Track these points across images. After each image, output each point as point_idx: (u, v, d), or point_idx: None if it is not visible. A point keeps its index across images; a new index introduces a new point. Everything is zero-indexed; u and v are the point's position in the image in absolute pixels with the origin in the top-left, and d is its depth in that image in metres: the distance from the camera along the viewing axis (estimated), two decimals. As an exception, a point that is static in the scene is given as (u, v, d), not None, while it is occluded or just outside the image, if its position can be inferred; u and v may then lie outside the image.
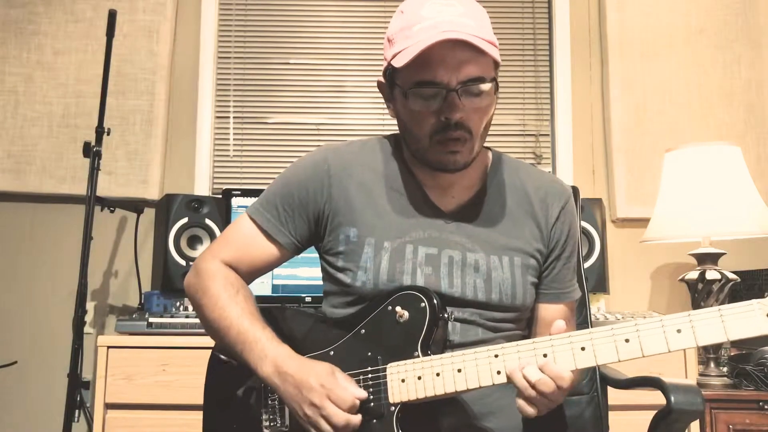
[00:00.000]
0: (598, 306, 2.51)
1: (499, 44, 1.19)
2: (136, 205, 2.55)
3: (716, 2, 2.85)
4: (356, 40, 2.90)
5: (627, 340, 1.01)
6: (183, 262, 2.40)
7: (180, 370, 2.09)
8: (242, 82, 2.87)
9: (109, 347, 2.11)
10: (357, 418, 1.09)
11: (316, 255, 1.35)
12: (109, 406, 2.09)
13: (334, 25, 2.91)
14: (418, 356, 1.12)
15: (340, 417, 1.07)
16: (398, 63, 1.15)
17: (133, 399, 2.08)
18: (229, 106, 2.87)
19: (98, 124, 2.32)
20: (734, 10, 2.84)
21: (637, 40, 2.83)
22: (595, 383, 1.59)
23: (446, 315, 1.17)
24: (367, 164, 1.29)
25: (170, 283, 2.40)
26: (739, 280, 2.27)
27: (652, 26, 2.84)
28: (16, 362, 2.55)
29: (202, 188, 2.76)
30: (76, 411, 2.14)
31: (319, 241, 1.31)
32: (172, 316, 2.20)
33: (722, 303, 2.24)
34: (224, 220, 2.46)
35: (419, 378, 1.11)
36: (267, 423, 1.22)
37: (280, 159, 2.82)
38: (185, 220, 2.45)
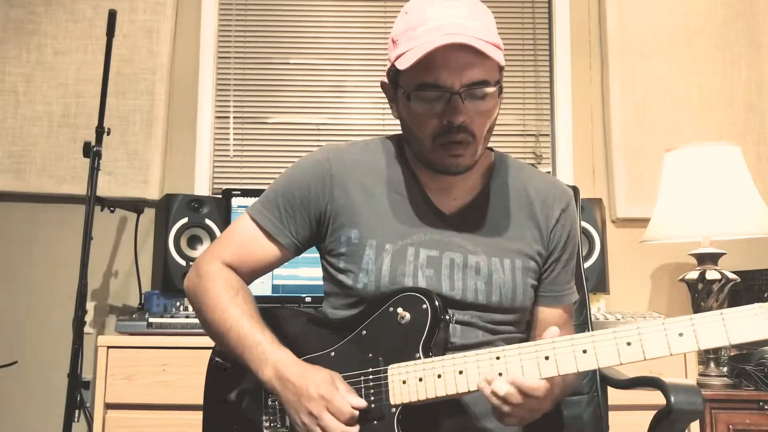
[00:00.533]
0: (598, 306, 2.51)
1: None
2: (136, 205, 2.55)
3: (716, 2, 2.85)
4: (356, 40, 2.90)
5: (629, 343, 1.01)
6: (183, 262, 2.40)
7: (180, 370, 2.09)
8: (242, 82, 2.87)
9: (109, 347, 2.11)
10: (354, 430, 1.08)
11: (317, 255, 1.35)
12: (109, 406, 2.09)
13: (334, 25, 2.91)
14: (420, 358, 1.12)
15: (338, 429, 1.07)
16: (402, 65, 1.14)
17: (133, 399, 2.08)
18: (229, 106, 2.87)
19: (98, 124, 2.31)
20: (734, 10, 2.84)
21: (637, 40, 2.83)
22: (595, 383, 1.59)
23: (448, 317, 1.17)
24: (369, 165, 1.29)
25: (170, 283, 2.40)
26: (739, 280, 2.27)
27: (652, 26, 2.83)
28: (16, 362, 2.55)
29: (202, 188, 2.76)
30: (76, 411, 2.14)
31: (320, 241, 1.31)
32: (172, 316, 2.20)
33: (722, 303, 2.24)
34: (224, 220, 2.46)
35: (420, 379, 1.10)
36: (267, 424, 1.22)
37: (280, 159, 2.82)
38: (185, 220, 2.45)
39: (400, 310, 1.16)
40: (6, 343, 2.62)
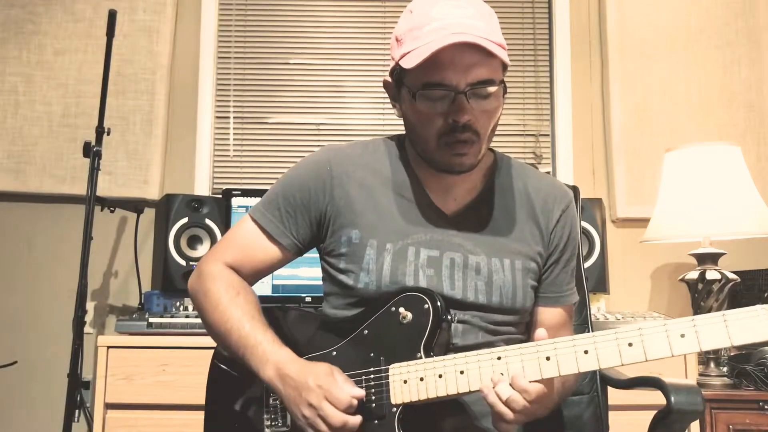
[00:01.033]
0: (598, 306, 2.51)
1: (500, 44, 1.19)
2: (136, 205, 2.55)
3: (716, 2, 2.85)
4: (356, 40, 2.90)
5: (630, 344, 1.01)
6: (183, 262, 2.41)
7: (180, 370, 2.09)
8: (242, 82, 2.87)
9: (109, 347, 2.11)
10: (355, 419, 1.08)
11: (317, 255, 1.35)
12: (109, 406, 2.09)
13: (334, 25, 2.91)
14: (421, 358, 1.12)
15: (337, 417, 1.07)
16: (407, 64, 1.14)
17: (133, 399, 2.08)
18: (229, 106, 2.87)
19: (98, 124, 2.31)
20: (734, 10, 2.84)
21: (637, 40, 2.83)
22: (595, 383, 1.59)
23: (450, 317, 1.17)
24: (369, 165, 1.29)
25: (170, 283, 2.40)
26: (739, 280, 2.27)
27: (652, 26, 2.84)
28: (16, 362, 2.55)
29: (202, 188, 2.76)
30: (76, 411, 2.14)
31: (320, 242, 1.31)
32: (172, 316, 2.20)
33: (722, 303, 2.24)
34: (224, 220, 2.46)
35: (421, 379, 1.11)
36: (269, 423, 1.22)
37: (280, 159, 2.82)
38: (185, 220, 2.45)
39: (401, 309, 1.16)
40: (6, 343, 2.62)
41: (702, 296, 2.26)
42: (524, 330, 1.33)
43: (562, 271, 1.33)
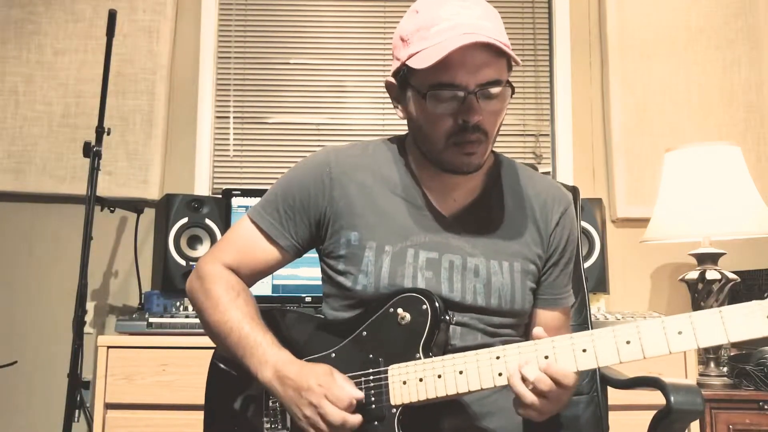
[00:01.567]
0: (598, 306, 2.51)
1: (500, 44, 1.18)
2: (136, 205, 2.55)
3: (716, 2, 2.84)
4: (356, 40, 2.90)
5: (628, 342, 1.01)
6: (183, 262, 2.40)
7: (180, 370, 2.09)
8: (242, 82, 2.87)
9: (109, 347, 2.11)
10: (355, 418, 1.09)
11: (317, 255, 1.35)
12: (109, 406, 2.09)
13: (334, 25, 2.91)
14: (420, 358, 1.13)
15: (338, 416, 1.07)
16: (417, 64, 1.13)
17: (133, 399, 2.08)
18: (229, 106, 2.87)
19: (98, 124, 2.32)
20: (734, 10, 2.84)
21: (637, 40, 2.83)
22: (595, 383, 1.59)
23: (448, 318, 1.17)
24: (369, 167, 1.29)
25: (170, 283, 2.39)
26: (739, 280, 2.27)
27: (652, 26, 2.84)
28: (16, 362, 2.55)
29: (202, 188, 2.76)
30: (76, 411, 2.14)
31: (319, 243, 1.31)
32: (172, 316, 2.20)
33: (722, 303, 2.24)
34: (224, 220, 2.46)
35: (420, 380, 1.11)
36: (268, 426, 1.22)
37: (280, 159, 2.82)
38: (185, 220, 2.45)
39: (400, 310, 1.16)
40: (6, 343, 2.62)
41: (702, 296, 2.26)
42: (523, 332, 1.33)
43: (561, 273, 1.33)
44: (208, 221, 2.47)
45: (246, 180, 2.82)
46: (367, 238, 1.24)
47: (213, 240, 2.45)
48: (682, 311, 2.72)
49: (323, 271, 1.32)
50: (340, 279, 1.26)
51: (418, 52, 1.14)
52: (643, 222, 2.51)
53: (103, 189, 2.53)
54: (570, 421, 1.55)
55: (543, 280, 1.31)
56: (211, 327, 1.25)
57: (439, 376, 1.09)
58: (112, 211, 2.42)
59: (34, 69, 2.74)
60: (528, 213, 1.30)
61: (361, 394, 1.11)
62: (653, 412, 1.23)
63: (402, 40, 1.19)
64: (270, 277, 2.40)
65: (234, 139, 2.85)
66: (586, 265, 2.38)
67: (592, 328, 1.66)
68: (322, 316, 1.32)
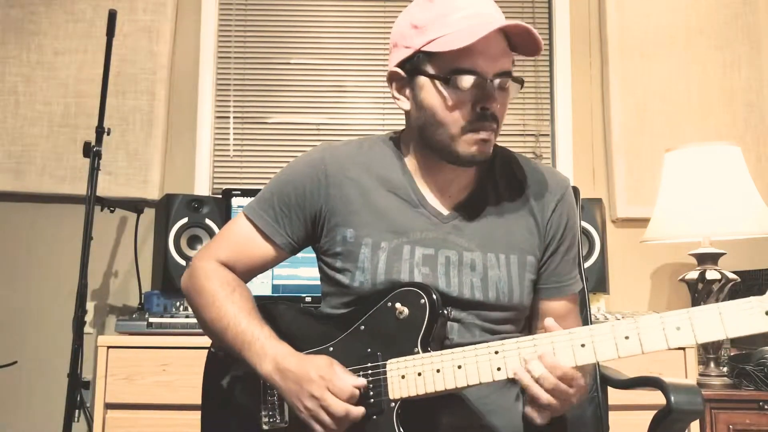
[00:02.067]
0: (598, 306, 2.51)
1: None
2: (136, 205, 2.55)
3: (716, 2, 2.85)
4: (356, 40, 2.90)
5: (627, 337, 1.01)
6: (183, 262, 2.41)
7: (180, 370, 2.09)
8: (242, 82, 2.87)
9: (109, 347, 2.11)
10: (357, 409, 1.09)
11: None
12: (109, 406, 2.09)
13: (334, 25, 2.91)
14: (418, 352, 1.13)
15: (340, 407, 1.07)
16: (443, 47, 1.13)
17: (133, 399, 2.08)
18: (229, 106, 2.87)
19: (98, 124, 2.32)
20: (734, 10, 2.84)
21: (637, 40, 2.83)
22: (595, 383, 1.59)
23: (446, 311, 1.17)
24: (364, 164, 1.28)
25: (170, 283, 2.40)
26: (739, 280, 2.27)
27: (652, 26, 2.84)
28: (16, 362, 2.55)
29: (202, 188, 2.76)
30: (76, 411, 2.14)
31: (315, 241, 1.31)
32: (172, 316, 2.20)
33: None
34: (224, 220, 2.46)
35: (419, 374, 1.11)
36: (266, 419, 1.21)
37: (280, 159, 2.82)
38: (185, 220, 2.45)
39: (398, 305, 1.16)
40: (6, 343, 2.62)
41: (702, 296, 2.26)
42: (523, 328, 1.32)
43: (562, 260, 1.31)
44: (208, 221, 2.47)
45: (246, 180, 2.82)
46: (363, 235, 1.24)
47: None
48: (682, 311, 2.69)
49: (320, 269, 1.32)
50: (338, 276, 1.26)
51: (439, 38, 1.15)
52: (643, 222, 2.51)
53: (103, 189, 2.53)
54: (570, 420, 1.55)
55: (544, 269, 1.30)
56: (207, 323, 1.25)
57: (438, 371, 1.09)
58: (112, 211, 2.42)
59: (34, 69, 2.74)
60: (523, 203, 1.29)
61: (363, 381, 1.11)
62: (653, 412, 1.23)
63: (415, 27, 1.19)
64: (270, 276, 2.42)
65: (234, 139, 2.85)
66: (586, 265, 2.37)
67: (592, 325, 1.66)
68: (319, 310, 1.32)
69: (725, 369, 2.26)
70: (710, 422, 2.12)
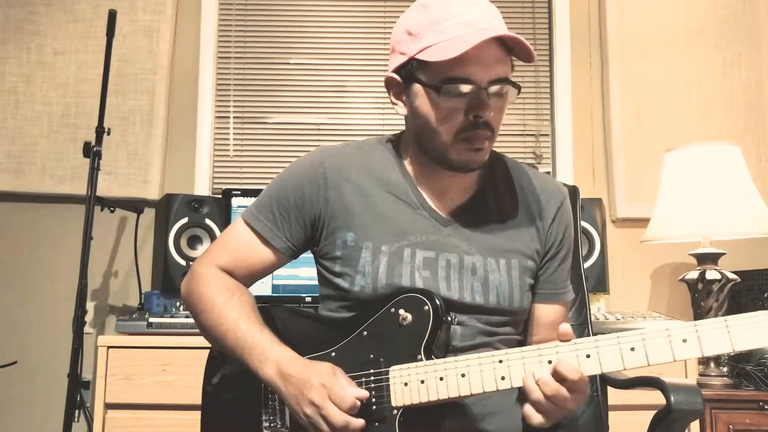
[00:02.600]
0: (598, 306, 2.51)
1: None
2: (136, 205, 2.55)
3: (716, 2, 2.85)
4: (356, 40, 2.90)
5: (632, 349, 1.01)
6: (183, 262, 2.40)
7: (180, 370, 2.09)
8: (242, 82, 2.87)
9: (109, 347, 2.10)
10: (357, 421, 1.07)
11: (315, 256, 1.35)
12: (109, 406, 2.09)
13: (334, 25, 2.91)
14: (422, 360, 1.12)
15: (340, 417, 1.06)
16: (434, 57, 1.12)
17: (133, 399, 2.08)
18: (229, 106, 2.87)
19: (98, 124, 2.32)
20: (734, 10, 2.84)
21: (637, 40, 2.83)
22: (595, 383, 1.59)
23: (450, 318, 1.16)
24: (363, 166, 1.28)
25: (170, 283, 2.39)
26: (739, 280, 2.27)
27: (652, 26, 2.84)
28: (16, 362, 2.55)
29: (202, 188, 2.76)
30: (76, 411, 2.14)
31: (314, 245, 1.30)
32: (172, 316, 2.20)
33: (722, 303, 2.24)
34: (224, 220, 2.46)
35: (422, 382, 1.10)
36: (267, 424, 1.21)
37: (280, 159, 2.82)
38: (185, 220, 2.45)
39: (401, 311, 1.15)
40: (6, 343, 2.62)
41: (702, 296, 2.26)
42: (522, 330, 1.32)
43: (558, 268, 1.32)
44: (208, 221, 2.47)
45: (246, 180, 2.82)
46: (363, 239, 1.23)
47: (213, 240, 2.45)
48: (682, 311, 2.73)
49: (319, 273, 1.31)
50: (337, 281, 1.25)
51: (431, 46, 1.14)
52: (643, 222, 2.51)
53: (103, 189, 2.53)
54: (570, 420, 1.55)
55: (541, 274, 1.31)
56: (206, 329, 1.24)
57: (441, 379, 1.09)
58: (112, 211, 2.42)
59: (34, 69, 2.74)
60: (524, 209, 1.29)
61: (366, 393, 1.09)
62: (653, 412, 1.23)
63: (409, 34, 1.18)
64: (270, 277, 2.42)
65: (234, 139, 2.85)
66: (586, 265, 2.38)
67: (592, 328, 1.66)
68: (322, 315, 1.31)
69: (725, 369, 2.26)
70: (710, 422, 2.12)
